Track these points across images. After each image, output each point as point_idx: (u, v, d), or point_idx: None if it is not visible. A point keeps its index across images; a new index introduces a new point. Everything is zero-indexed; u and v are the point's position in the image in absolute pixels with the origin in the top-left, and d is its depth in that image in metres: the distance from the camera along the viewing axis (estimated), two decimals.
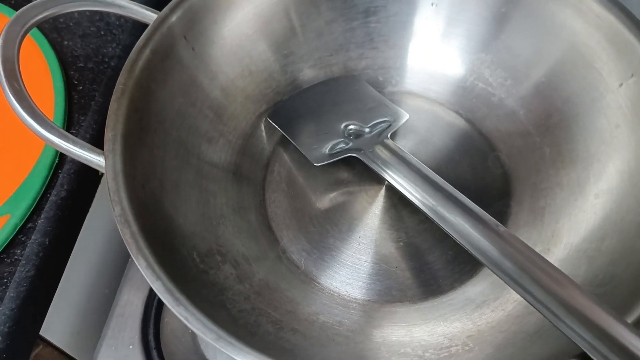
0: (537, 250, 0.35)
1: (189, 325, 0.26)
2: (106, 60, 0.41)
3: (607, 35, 0.35)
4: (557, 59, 0.38)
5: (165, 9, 0.35)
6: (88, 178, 0.38)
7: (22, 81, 0.30)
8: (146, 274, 0.27)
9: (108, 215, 0.40)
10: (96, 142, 0.37)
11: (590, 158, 0.36)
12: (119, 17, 0.43)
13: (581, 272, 0.33)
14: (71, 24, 0.43)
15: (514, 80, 0.40)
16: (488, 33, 0.40)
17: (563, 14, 0.37)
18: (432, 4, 0.41)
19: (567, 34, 0.37)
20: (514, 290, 0.29)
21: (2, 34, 0.31)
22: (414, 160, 0.35)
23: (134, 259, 0.27)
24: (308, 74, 0.42)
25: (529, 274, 0.29)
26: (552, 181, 0.37)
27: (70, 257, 0.37)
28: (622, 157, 0.34)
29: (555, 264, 0.33)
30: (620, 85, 0.35)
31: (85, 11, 0.43)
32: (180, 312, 0.26)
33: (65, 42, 0.42)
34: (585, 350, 0.25)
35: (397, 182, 0.35)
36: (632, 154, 0.34)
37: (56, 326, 0.36)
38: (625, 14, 0.34)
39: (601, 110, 0.36)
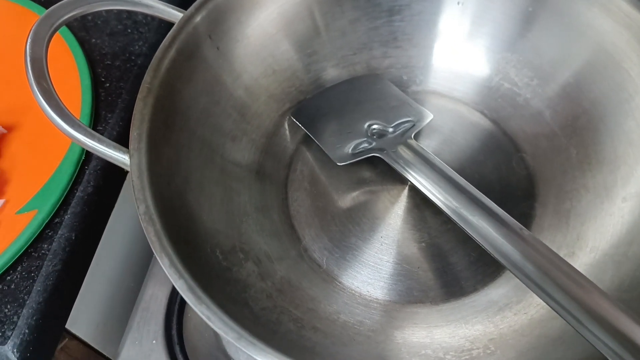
0: (561, 253, 0.34)
1: (210, 324, 0.26)
2: (133, 58, 0.42)
3: (637, 35, 0.34)
4: (584, 58, 0.37)
5: (191, 9, 0.36)
6: (114, 174, 0.39)
7: (50, 80, 0.30)
8: (169, 273, 0.27)
9: (133, 211, 0.40)
10: (122, 139, 0.37)
11: (617, 160, 0.35)
12: (146, 15, 0.44)
13: (607, 277, 0.32)
14: (99, 22, 0.44)
15: (541, 80, 0.39)
16: (514, 32, 0.39)
17: (591, 13, 0.36)
18: (458, 3, 0.40)
19: (595, 34, 0.36)
20: (536, 294, 0.28)
21: (31, 33, 0.31)
22: (437, 161, 0.35)
23: (157, 257, 0.28)
24: (331, 72, 0.42)
25: (552, 278, 0.28)
26: (578, 183, 0.37)
27: (96, 251, 0.38)
28: None
29: (580, 269, 0.33)
30: None
31: (112, 10, 0.43)
32: (202, 310, 0.26)
33: (93, 40, 0.43)
34: (608, 357, 0.25)
35: (420, 183, 0.34)
36: None
37: (82, 320, 0.37)
38: None
39: (629, 112, 0.35)
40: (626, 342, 0.25)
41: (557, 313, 0.28)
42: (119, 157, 0.31)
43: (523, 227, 0.31)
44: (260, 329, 0.29)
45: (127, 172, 0.39)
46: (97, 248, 0.38)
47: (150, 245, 0.28)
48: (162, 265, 0.27)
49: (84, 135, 0.30)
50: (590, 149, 0.37)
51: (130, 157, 0.30)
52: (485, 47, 0.41)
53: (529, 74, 0.40)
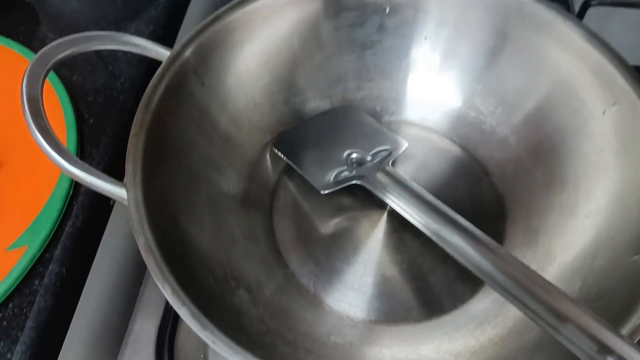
0: (533, 268, 0.37)
1: (216, 348, 0.27)
2: (115, 94, 0.43)
3: (590, 66, 0.38)
4: (544, 88, 0.40)
5: (178, 47, 0.37)
6: (101, 207, 0.39)
7: (47, 118, 0.31)
8: (172, 301, 0.28)
9: (120, 242, 0.41)
10: (109, 173, 0.38)
11: (578, 181, 0.38)
12: (126, 52, 0.45)
13: (576, 288, 0.35)
14: (79, 59, 0.45)
15: (505, 108, 0.42)
16: (480, 65, 0.42)
17: (548, 47, 0.39)
18: (425, 38, 0.43)
19: (553, 65, 0.39)
20: (514, 305, 0.31)
21: (26, 73, 0.32)
22: (415, 185, 0.37)
23: (160, 287, 0.29)
24: (310, 104, 0.44)
25: (528, 290, 0.31)
26: (544, 203, 0.39)
27: (85, 285, 0.38)
28: (608, 180, 0.37)
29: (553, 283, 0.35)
30: (604, 112, 0.37)
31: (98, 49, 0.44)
32: (208, 336, 0.27)
33: (75, 78, 0.44)
34: (581, 358, 0.27)
35: (401, 207, 0.37)
36: (617, 176, 0.36)
37: (72, 354, 0.37)
38: (605, 46, 0.37)
39: (587, 136, 0.38)
40: (597, 344, 0.28)
41: (535, 322, 0.30)
42: (116, 191, 0.32)
43: (499, 245, 0.33)
44: (259, 352, 0.30)
45: (113, 204, 0.40)
46: (86, 281, 0.38)
47: (152, 275, 0.29)
48: (165, 294, 0.28)
49: (82, 170, 0.31)
50: (553, 170, 0.40)
51: (127, 191, 0.31)
52: (453, 79, 0.44)
53: (494, 103, 0.43)
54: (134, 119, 0.34)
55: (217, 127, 0.40)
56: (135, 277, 0.42)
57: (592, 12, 0.52)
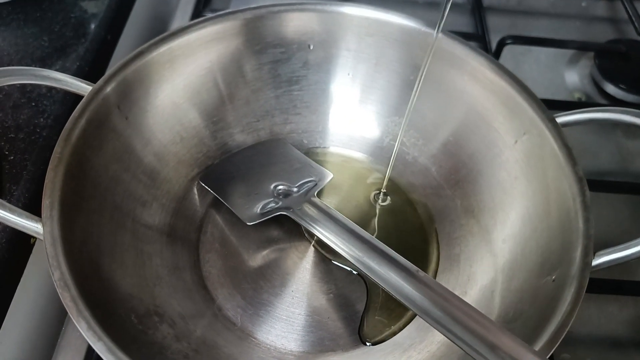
0: (456, 293, 0.38)
1: None
2: (38, 130, 0.42)
3: (501, 99, 0.40)
4: (460, 119, 0.42)
5: (100, 81, 0.37)
6: (20, 247, 0.38)
7: None
8: (87, 336, 0.27)
9: (41, 282, 0.40)
10: (29, 210, 0.37)
11: (495, 207, 0.40)
12: (50, 88, 0.45)
13: (495, 310, 0.36)
14: (1, 95, 0.44)
15: (425, 139, 0.44)
16: (400, 98, 0.44)
17: (462, 81, 0.42)
18: (348, 74, 0.45)
19: (467, 98, 0.41)
20: (435, 328, 0.31)
21: None
22: (340, 215, 0.38)
23: (75, 322, 0.28)
24: (237, 138, 0.45)
25: (450, 314, 0.31)
26: (464, 230, 0.41)
27: (2, 326, 0.36)
28: (522, 205, 0.38)
29: (472, 305, 0.36)
30: (516, 142, 0.39)
31: (16, 83, 0.43)
32: None
33: None
34: None
35: (326, 236, 0.37)
36: (530, 202, 0.38)
37: None
38: (514, 79, 0.39)
39: (501, 165, 0.40)
40: None
41: (457, 345, 0.30)
42: (31, 225, 0.31)
43: (420, 270, 0.34)
44: None
45: (34, 243, 0.39)
46: (3, 322, 0.36)
47: (67, 311, 0.28)
48: (80, 329, 0.28)
49: None
50: (472, 198, 0.41)
51: (43, 226, 0.31)
52: (375, 112, 0.45)
53: (415, 135, 0.44)
54: (53, 152, 0.33)
55: (142, 162, 0.40)
56: (55, 318, 0.41)
57: (507, 50, 0.55)
